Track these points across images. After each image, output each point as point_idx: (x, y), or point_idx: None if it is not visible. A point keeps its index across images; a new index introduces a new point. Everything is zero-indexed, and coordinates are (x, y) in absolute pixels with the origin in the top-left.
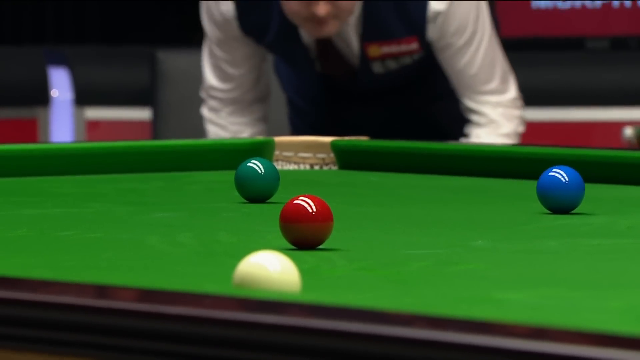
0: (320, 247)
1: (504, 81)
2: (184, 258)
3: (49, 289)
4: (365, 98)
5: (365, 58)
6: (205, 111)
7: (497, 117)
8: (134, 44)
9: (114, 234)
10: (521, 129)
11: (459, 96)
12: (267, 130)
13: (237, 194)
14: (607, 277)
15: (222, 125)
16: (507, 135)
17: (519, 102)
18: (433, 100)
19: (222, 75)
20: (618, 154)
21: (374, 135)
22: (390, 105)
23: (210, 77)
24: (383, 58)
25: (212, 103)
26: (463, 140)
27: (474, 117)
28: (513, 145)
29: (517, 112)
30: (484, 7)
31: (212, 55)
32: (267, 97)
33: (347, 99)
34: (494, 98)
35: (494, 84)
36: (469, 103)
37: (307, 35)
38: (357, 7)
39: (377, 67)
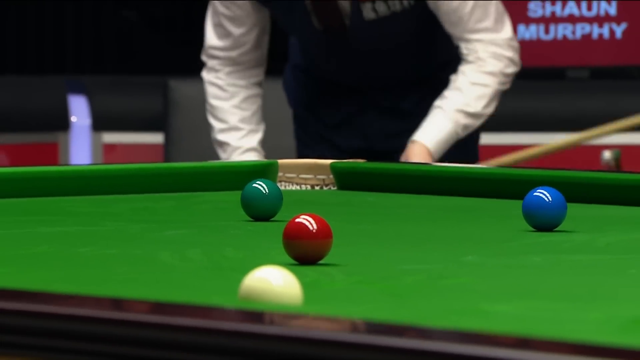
0: (321, 262)
1: (498, 21)
2: (193, 272)
3: (68, 301)
4: (362, 102)
5: (356, 1)
6: (204, 74)
7: (484, 55)
8: (147, 74)
9: (128, 250)
10: (511, 70)
11: (454, 40)
12: (262, 95)
13: (243, 212)
14: (587, 291)
15: (220, 86)
16: (491, 73)
17: (514, 43)
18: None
19: (222, 32)
20: (597, 175)
21: (370, 143)
22: (386, 115)
23: (211, 36)
24: None
25: (212, 63)
26: (452, 77)
27: (464, 56)
28: (499, 167)
29: (508, 53)
30: None
31: (215, 14)
32: (264, 64)
33: (344, 102)
34: (487, 36)
35: (487, 22)
36: (462, 44)
37: None
38: None
39: (367, 12)
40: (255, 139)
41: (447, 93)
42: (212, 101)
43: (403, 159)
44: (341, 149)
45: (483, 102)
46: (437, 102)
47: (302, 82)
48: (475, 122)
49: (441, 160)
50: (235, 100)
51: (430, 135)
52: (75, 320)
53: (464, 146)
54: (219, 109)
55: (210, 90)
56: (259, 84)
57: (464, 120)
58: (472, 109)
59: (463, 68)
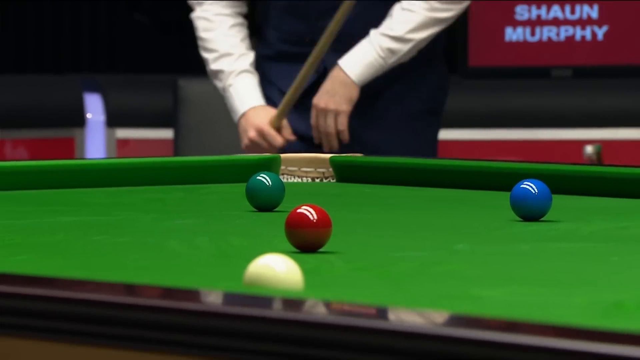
0: (321, 250)
1: None
2: (200, 260)
3: (83, 287)
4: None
5: None
6: (192, 14)
7: None
8: (158, 73)
9: (140, 239)
10: (438, 9)
11: None
12: (248, 25)
13: (247, 203)
14: (571, 277)
15: (207, 17)
16: (408, 10)
17: None
18: (406, 118)
19: None
20: (580, 168)
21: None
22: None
23: None
24: None
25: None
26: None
27: None
28: (488, 160)
29: None
30: None
31: None
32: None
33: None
34: None
35: None
36: None
37: None
38: None
39: None
40: (247, 61)
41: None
42: (202, 34)
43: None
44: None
45: (408, 27)
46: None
47: (262, 69)
48: (402, 46)
49: (401, 152)
50: (223, 29)
51: (350, 59)
52: (90, 305)
53: (422, 138)
54: (209, 40)
55: (199, 24)
56: (243, 15)
57: (387, 44)
58: (394, 33)
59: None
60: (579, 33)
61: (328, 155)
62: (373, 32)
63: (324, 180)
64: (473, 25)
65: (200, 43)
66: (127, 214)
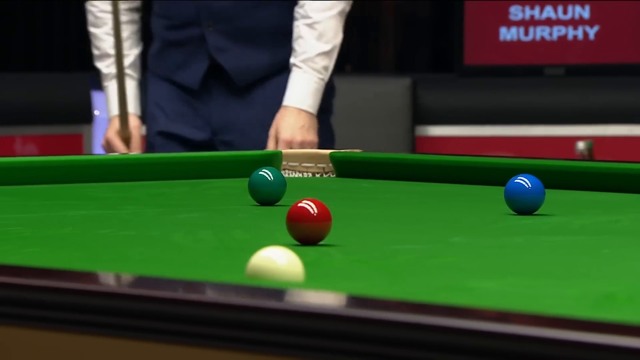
0: (321, 243)
1: None
2: (204, 252)
3: (90, 279)
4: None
5: None
6: (85, 3)
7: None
8: None
9: (145, 232)
10: (337, 9)
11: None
12: (138, 21)
13: (250, 198)
14: (564, 269)
15: (93, 13)
16: (314, 22)
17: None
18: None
19: None
20: (572, 164)
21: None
22: (232, 97)
23: None
24: None
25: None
26: (294, 23)
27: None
28: (483, 156)
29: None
30: None
31: None
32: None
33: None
34: None
35: None
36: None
37: None
38: None
39: None
40: (125, 63)
41: (295, 45)
42: (89, 29)
43: (274, 128)
44: (188, 143)
45: (326, 37)
46: (291, 60)
47: (150, 67)
48: (330, 58)
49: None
50: (107, 28)
51: (297, 96)
52: (96, 296)
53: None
54: (93, 36)
55: (88, 17)
56: (134, 10)
57: (318, 63)
58: (318, 50)
59: (300, 10)
60: (571, 33)
61: (328, 151)
62: (298, 62)
63: (324, 176)
64: (468, 25)
65: (90, 36)
66: (133, 208)
